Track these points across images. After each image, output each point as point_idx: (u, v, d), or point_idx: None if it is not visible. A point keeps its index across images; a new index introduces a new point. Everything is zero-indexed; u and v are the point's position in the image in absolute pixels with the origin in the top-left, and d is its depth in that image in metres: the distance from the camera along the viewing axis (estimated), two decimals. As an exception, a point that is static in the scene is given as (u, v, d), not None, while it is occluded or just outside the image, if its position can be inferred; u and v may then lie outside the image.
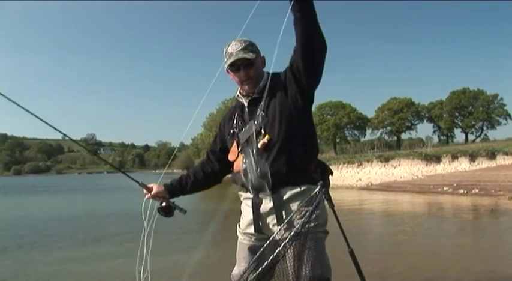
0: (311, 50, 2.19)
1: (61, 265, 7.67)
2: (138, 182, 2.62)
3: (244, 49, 2.36)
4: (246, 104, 2.45)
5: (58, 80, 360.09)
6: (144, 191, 2.63)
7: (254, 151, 2.30)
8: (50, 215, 16.53)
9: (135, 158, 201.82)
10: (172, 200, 2.65)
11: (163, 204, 2.61)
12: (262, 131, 2.30)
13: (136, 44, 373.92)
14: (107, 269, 7.26)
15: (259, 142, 2.29)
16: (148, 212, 2.54)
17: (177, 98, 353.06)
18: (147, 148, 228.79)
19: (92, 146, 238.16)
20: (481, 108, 59.90)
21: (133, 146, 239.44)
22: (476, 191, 19.90)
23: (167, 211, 2.61)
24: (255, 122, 2.35)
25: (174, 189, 2.66)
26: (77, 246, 9.51)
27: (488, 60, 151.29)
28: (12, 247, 9.47)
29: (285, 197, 2.27)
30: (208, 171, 2.67)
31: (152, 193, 2.61)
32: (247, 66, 2.37)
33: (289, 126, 2.28)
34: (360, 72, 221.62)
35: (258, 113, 2.36)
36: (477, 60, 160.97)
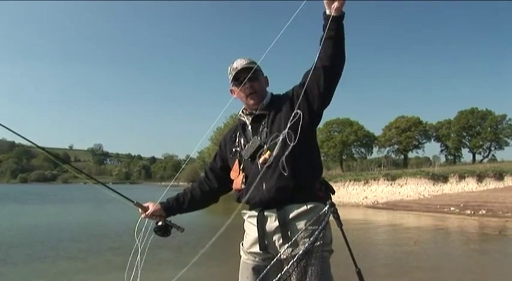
0: (335, 69, 2.18)
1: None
2: (133, 201, 2.56)
3: (249, 64, 2.41)
4: (248, 122, 2.45)
5: (67, 88, 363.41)
6: (140, 210, 2.55)
7: (259, 167, 2.28)
8: (47, 226, 16.52)
9: (141, 170, 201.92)
10: (168, 218, 2.60)
11: (160, 223, 2.54)
12: (265, 146, 2.29)
13: (145, 57, 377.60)
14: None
15: (260, 157, 2.28)
16: (142, 230, 2.49)
17: (185, 112, 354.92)
18: (153, 160, 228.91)
19: (99, 156, 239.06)
20: (489, 129, 59.54)
21: (139, 157, 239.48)
22: (484, 212, 19.69)
23: (164, 231, 2.54)
24: (259, 138, 2.34)
25: (171, 207, 2.59)
26: (69, 259, 9.50)
27: (496, 81, 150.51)
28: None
29: (291, 215, 2.24)
30: (206, 189, 2.61)
31: (148, 212, 2.53)
32: (252, 79, 2.38)
33: (294, 144, 2.24)
34: (369, 90, 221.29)
35: (261, 130, 2.36)
36: (486, 81, 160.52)
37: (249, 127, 2.43)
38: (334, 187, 2.46)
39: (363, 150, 65.51)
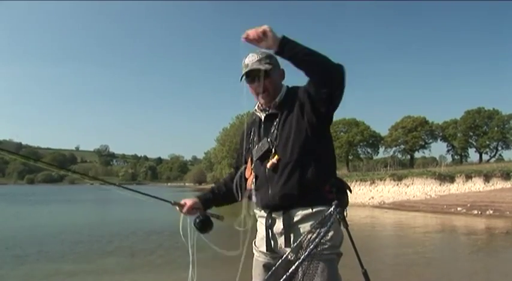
0: (328, 90, 2.14)
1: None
2: (170, 202, 2.54)
3: (260, 60, 2.32)
4: (262, 119, 2.43)
5: (73, 89, 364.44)
6: (178, 208, 2.53)
7: (266, 171, 2.29)
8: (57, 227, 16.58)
9: (147, 171, 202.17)
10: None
11: (200, 218, 2.49)
12: (273, 150, 2.28)
13: (151, 59, 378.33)
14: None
15: (268, 161, 2.28)
16: (189, 231, 2.46)
17: (191, 113, 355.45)
18: (159, 160, 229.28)
19: (105, 157, 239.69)
20: (496, 128, 59.21)
21: (146, 158, 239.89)
22: (491, 212, 19.58)
23: (206, 224, 2.49)
24: (268, 140, 2.33)
25: (208, 199, 2.60)
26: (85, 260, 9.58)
27: (504, 80, 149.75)
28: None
29: (295, 219, 2.24)
30: None
31: (187, 206, 2.51)
32: (263, 78, 2.30)
33: (302, 148, 2.23)
34: (375, 90, 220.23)
35: (272, 131, 2.34)
36: (492, 80, 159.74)
37: (263, 126, 2.41)
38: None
39: (369, 150, 65.46)
